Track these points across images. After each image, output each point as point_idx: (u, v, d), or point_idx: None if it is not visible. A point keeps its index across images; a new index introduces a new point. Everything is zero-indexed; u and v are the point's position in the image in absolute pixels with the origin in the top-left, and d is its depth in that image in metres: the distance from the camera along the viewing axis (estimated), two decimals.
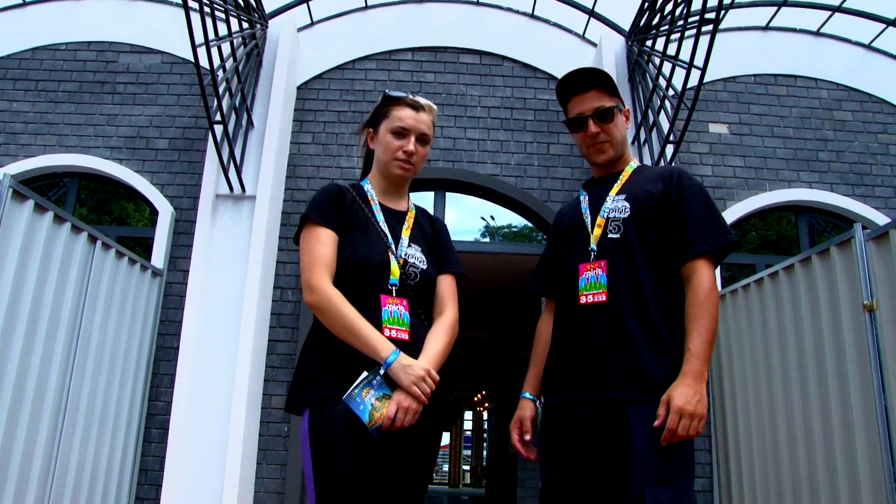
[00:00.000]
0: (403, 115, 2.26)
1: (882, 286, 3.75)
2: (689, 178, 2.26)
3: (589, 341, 2.14)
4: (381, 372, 1.95)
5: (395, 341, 2.04)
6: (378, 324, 2.04)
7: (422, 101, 2.31)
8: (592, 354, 2.12)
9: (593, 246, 2.23)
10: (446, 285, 2.30)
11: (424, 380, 1.96)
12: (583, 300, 2.19)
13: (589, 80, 2.32)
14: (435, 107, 2.38)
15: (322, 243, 2.11)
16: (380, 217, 2.24)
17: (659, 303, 2.14)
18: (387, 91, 2.33)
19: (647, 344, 2.08)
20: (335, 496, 1.87)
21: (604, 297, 2.15)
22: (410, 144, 2.25)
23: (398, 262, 2.16)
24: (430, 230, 2.40)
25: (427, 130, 2.30)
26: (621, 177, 2.34)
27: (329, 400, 1.96)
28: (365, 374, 1.93)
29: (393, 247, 2.19)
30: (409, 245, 2.24)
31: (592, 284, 2.18)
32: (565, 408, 2.16)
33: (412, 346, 2.07)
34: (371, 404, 1.90)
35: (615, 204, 2.25)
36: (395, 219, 2.29)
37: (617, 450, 2.00)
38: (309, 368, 2.06)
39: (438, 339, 2.13)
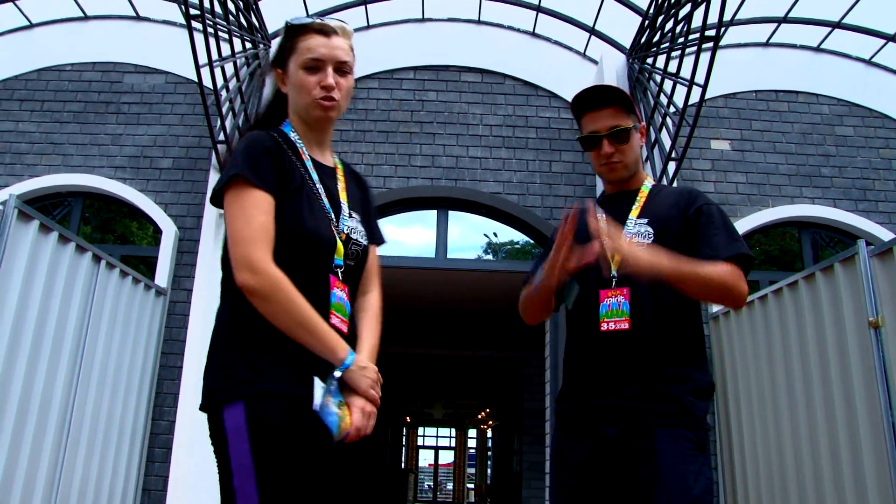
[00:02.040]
0: (313, 45, 1.83)
1: (887, 302, 3.74)
2: (705, 197, 2.23)
3: (611, 369, 2.10)
4: (338, 375, 1.67)
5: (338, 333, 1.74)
6: (326, 311, 1.72)
7: (332, 22, 1.89)
8: (615, 383, 2.09)
9: (614, 272, 2.16)
10: (373, 259, 1.96)
11: (378, 382, 1.74)
12: (604, 327, 2.14)
13: (606, 97, 2.26)
14: (350, 28, 1.93)
15: (262, 211, 1.68)
16: (315, 176, 1.84)
17: (682, 330, 2.12)
18: (288, 21, 1.89)
19: (673, 373, 2.06)
20: (284, 495, 1.59)
21: (626, 325, 2.10)
22: (329, 77, 1.82)
23: (341, 238, 1.81)
24: (363, 191, 2.02)
25: (346, 57, 1.86)
26: (639, 198, 2.28)
27: (272, 395, 1.64)
28: (324, 380, 1.65)
29: (334, 218, 1.82)
30: (350, 215, 1.87)
31: (614, 311, 2.14)
32: (583, 429, 2.13)
33: (349, 339, 1.78)
34: (336, 414, 1.64)
35: (637, 228, 2.20)
36: (328, 177, 1.89)
37: (643, 471, 1.99)
38: (243, 356, 1.68)
39: (373, 332, 1.86)
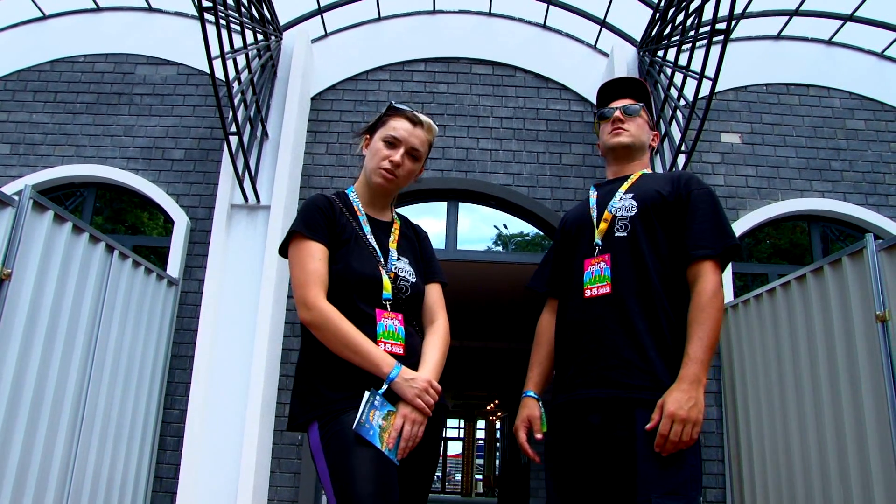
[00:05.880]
0: (398, 126, 2.20)
1: (895, 296, 3.74)
2: (698, 181, 2.29)
3: (595, 336, 2.15)
4: (384, 389, 1.92)
5: (391, 355, 2.01)
6: (373, 338, 2.00)
7: (423, 117, 2.25)
8: (599, 350, 2.13)
9: (598, 241, 2.26)
10: (434, 294, 2.27)
11: (427, 391, 1.95)
12: (587, 293, 2.21)
13: (630, 90, 2.50)
14: (436, 128, 2.31)
15: (315, 258, 2.04)
16: (367, 229, 2.19)
17: (665, 301, 2.14)
18: (392, 102, 2.28)
19: (653, 343, 2.09)
20: (357, 501, 1.82)
21: (608, 290, 2.17)
22: (398, 155, 2.17)
23: (389, 277, 2.12)
24: (416, 241, 2.37)
25: (420, 147, 2.23)
26: (631, 177, 2.38)
27: (336, 412, 1.93)
28: (367, 395, 1.90)
29: (382, 261, 2.14)
30: (399, 258, 2.20)
31: (596, 277, 2.21)
32: (572, 409, 2.17)
33: (408, 359, 2.04)
34: (379, 426, 1.88)
35: (622, 202, 2.28)
36: (382, 230, 2.24)
37: (624, 459, 2.01)
38: (310, 384, 2.02)
39: (435, 348, 2.12)
